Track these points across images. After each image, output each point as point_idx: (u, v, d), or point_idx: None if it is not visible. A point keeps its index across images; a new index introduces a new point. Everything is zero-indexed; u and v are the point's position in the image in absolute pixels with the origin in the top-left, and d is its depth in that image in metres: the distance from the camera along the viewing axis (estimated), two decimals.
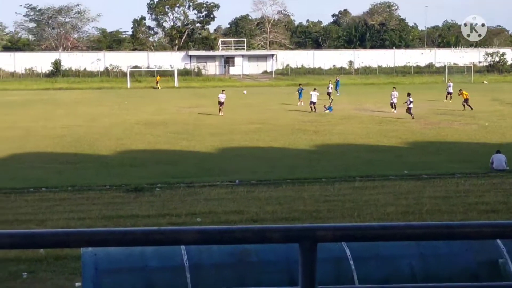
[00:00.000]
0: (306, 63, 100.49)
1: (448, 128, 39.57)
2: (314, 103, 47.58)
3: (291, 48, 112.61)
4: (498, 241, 11.36)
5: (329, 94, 56.55)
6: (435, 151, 31.70)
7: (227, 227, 2.36)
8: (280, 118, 44.13)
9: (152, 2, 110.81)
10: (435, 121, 42.87)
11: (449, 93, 55.67)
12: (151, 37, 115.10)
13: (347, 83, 77.24)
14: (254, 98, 59.32)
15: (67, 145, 33.79)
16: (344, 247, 11.31)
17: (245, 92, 44.90)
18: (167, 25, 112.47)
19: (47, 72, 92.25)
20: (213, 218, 19.82)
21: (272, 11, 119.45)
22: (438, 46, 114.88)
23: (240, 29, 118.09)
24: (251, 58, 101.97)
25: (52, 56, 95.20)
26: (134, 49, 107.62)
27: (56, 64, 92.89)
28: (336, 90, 62.14)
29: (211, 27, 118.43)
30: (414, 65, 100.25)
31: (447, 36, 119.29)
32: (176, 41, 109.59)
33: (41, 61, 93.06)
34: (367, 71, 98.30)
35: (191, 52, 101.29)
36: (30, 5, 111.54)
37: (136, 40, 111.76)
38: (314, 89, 49.44)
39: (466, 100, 48.37)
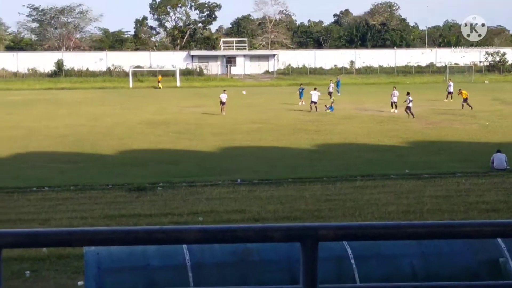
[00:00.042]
0: (307, 63, 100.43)
1: (449, 127, 39.56)
2: (315, 102, 47.57)
3: (293, 48, 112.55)
4: (499, 240, 11.38)
5: (330, 93, 56.59)
6: (436, 151, 31.69)
7: (228, 226, 2.37)
8: (282, 118, 44.12)
9: (154, 2, 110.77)
10: (436, 120, 42.85)
11: (449, 92, 55.67)
12: (153, 37, 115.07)
13: (348, 83, 77.25)
14: (256, 98, 59.31)
15: (70, 144, 33.82)
16: (345, 246, 11.33)
17: (244, 92, 44.84)
18: (169, 25, 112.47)
19: (50, 72, 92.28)
20: (215, 217, 19.84)
21: (273, 11, 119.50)
22: (439, 46, 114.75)
23: (242, 29, 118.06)
24: (252, 58, 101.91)
25: (54, 56, 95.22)
26: (136, 49, 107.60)
27: (59, 64, 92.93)
28: (337, 90, 62.11)
29: (213, 27, 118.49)
30: (415, 65, 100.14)
31: (448, 36, 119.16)
32: (178, 41, 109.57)
33: (44, 61, 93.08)
34: (368, 71, 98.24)
35: (193, 52, 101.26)
36: (33, 5, 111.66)
37: (138, 40, 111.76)
38: (315, 89, 49.44)
39: (465, 100, 48.37)
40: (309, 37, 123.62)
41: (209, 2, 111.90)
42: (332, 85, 59.40)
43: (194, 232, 2.34)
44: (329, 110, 47.69)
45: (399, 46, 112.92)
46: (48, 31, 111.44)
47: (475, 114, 45.17)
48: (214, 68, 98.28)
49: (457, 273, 11.17)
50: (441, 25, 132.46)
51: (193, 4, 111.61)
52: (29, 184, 24.45)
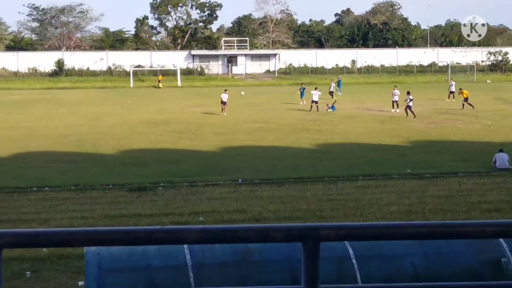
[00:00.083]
0: (308, 62, 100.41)
1: (451, 127, 39.55)
2: (316, 102, 47.57)
3: (294, 48, 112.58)
4: (501, 240, 11.37)
5: (331, 93, 56.62)
6: (438, 150, 31.67)
7: (230, 226, 2.36)
8: (283, 117, 44.13)
9: (155, 1, 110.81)
10: (438, 120, 42.84)
11: (451, 92, 55.67)
12: (154, 37, 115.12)
13: (349, 82, 77.24)
14: (257, 98, 59.32)
15: (70, 144, 33.82)
16: (347, 246, 11.31)
17: (242, 93, 44.79)
18: (170, 24, 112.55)
19: (50, 71, 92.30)
20: (216, 217, 19.83)
21: (274, 10, 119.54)
22: (441, 45, 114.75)
23: (243, 28, 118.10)
24: (253, 57, 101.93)
25: (55, 56, 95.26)
26: (137, 49, 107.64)
27: (59, 63, 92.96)
28: (337, 90, 62.05)
29: (214, 27, 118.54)
30: (417, 64, 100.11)
31: (450, 35, 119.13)
32: (179, 41, 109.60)
33: (44, 60, 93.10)
34: (369, 70, 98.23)
35: (194, 52, 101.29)
36: (33, 4, 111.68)
37: (139, 39, 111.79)
38: (316, 88, 49.45)
39: (466, 99, 48.38)
40: (311, 36, 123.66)
41: (210, 1, 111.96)
42: (333, 85, 59.47)
43: (195, 232, 2.33)
44: (331, 110, 47.70)
45: (401, 45, 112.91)
46: (49, 31, 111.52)
47: (477, 114, 45.15)
48: (215, 67, 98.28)
49: (459, 273, 11.16)
50: (443, 25, 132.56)
51: (194, 3, 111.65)
52: (30, 184, 24.45)
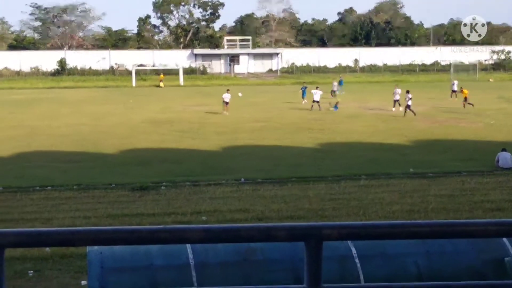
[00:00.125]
0: (311, 61, 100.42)
1: (454, 126, 39.52)
2: (317, 101, 47.54)
3: (296, 47, 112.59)
4: (504, 239, 11.35)
5: (333, 92, 56.68)
6: (440, 149, 31.64)
7: (232, 225, 2.36)
8: (285, 117, 44.12)
9: (157, 0, 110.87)
10: (440, 119, 42.81)
11: (453, 91, 55.71)
12: (156, 36, 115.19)
13: (352, 81, 77.19)
14: (259, 97, 59.31)
15: (72, 143, 33.84)
16: (349, 246, 11.30)
17: (240, 94, 44.78)
18: (172, 23, 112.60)
19: (53, 70, 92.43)
20: (218, 217, 19.83)
21: (277, 9, 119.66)
22: (444, 44, 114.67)
23: (246, 27, 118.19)
24: (256, 56, 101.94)
25: (57, 55, 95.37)
26: (139, 48, 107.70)
27: (62, 62, 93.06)
28: (340, 88, 62.00)
29: (216, 26, 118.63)
30: (420, 63, 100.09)
31: (452, 34, 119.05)
32: (181, 40, 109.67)
33: (47, 59, 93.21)
34: (372, 69, 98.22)
35: (196, 51, 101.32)
36: (36, 4, 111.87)
37: (142, 38, 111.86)
38: (317, 88, 49.46)
39: (465, 99, 48.44)
40: (313, 35, 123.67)
41: (212, 0, 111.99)
42: (335, 84, 59.52)
43: (197, 231, 2.33)
44: (333, 109, 47.68)
45: (404, 44, 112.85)
46: (51, 30, 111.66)
47: (480, 113, 45.11)
48: (218, 66, 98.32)
49: (462, 273, 11.15)
50: (446, 23, 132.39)
51: (196, 2, 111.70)
52: (32, 184, 24.47)
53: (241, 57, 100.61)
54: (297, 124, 40.54)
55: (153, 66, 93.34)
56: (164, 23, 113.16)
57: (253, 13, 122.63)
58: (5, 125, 41.01)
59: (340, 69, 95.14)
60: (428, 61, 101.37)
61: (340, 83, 63.34)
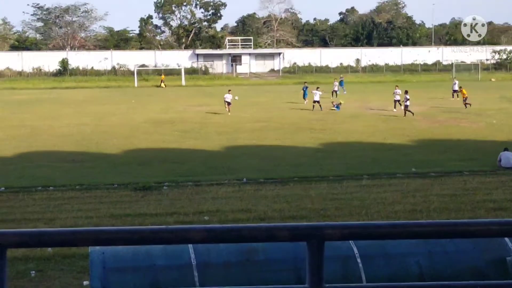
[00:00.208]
0: (313, 61, 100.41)
1: (456, 126, 39.50)
2: (318, 101, 47.50)
3: (298, 47, 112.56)
4: (506, 239, 11.34)
5: (334, 92, 56.68)
6: (442, 149, 31.62)
7: (234, 225, 2.36)
8: (287, 117, 44.11)
9: (159, 1, 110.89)
10: (442, 119, 42.78)
11: (454, 91, 55.68)
12: (158, 36, 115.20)
13: (354, 81, 77.15)
14: (261, 97, 59.31)
15: (75, 144, 33.85)
16: (351, 246, 11.30)
17: (236, 98, 44.89)
18: (174, 23, 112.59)
19: (55, 71, 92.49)
20: (221, 217, 19.83)
21: (279, 9, 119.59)
22: (446, 44, 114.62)
23: (247, 27, 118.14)
24: (258, 56, 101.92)
25: (59, 55, 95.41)
26: (141, 48, 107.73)
27: (64, 63, 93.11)
28: (341, 88, 61.96)
29: (218, 26, 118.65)
30: (421, 63, 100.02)
31: (454, 33, 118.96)
32: (183, 40, 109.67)
33: (49, 60, 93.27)
34: (374, 69, 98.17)
35: (198, 51, 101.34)
36: (38, 4, 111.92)
37: (143, 39, 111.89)
38: (317, 88, 49.43)
39: (464, 99, 48.45)
40: (315, 35, 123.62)
41: (214, 0, 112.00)
42: (336, 84, 59.53)
43: (199, 231, 2.33)
44: (335, 109, 47.66)
45: (405, 44, 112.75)
46: (53, 30, 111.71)
47: (481, 112, 45.08)
48: (219, 66, 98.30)
49: (464, 272, 11.14)
50: (448, 23, 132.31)
51: (198, 2, 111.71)
52: (34, 184, 24.48)
53: (243, 57, 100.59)
54: (299, 124, 40.53)
55: (155, 66, 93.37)
56: (166, 24, 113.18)
57: (255, 13, 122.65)
58: (7, 125, 41.04)
59: (342, 69, 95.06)
60: (429, 61, 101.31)
61: (340, 83, 63.29)
